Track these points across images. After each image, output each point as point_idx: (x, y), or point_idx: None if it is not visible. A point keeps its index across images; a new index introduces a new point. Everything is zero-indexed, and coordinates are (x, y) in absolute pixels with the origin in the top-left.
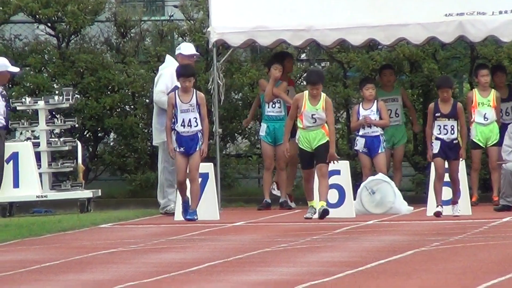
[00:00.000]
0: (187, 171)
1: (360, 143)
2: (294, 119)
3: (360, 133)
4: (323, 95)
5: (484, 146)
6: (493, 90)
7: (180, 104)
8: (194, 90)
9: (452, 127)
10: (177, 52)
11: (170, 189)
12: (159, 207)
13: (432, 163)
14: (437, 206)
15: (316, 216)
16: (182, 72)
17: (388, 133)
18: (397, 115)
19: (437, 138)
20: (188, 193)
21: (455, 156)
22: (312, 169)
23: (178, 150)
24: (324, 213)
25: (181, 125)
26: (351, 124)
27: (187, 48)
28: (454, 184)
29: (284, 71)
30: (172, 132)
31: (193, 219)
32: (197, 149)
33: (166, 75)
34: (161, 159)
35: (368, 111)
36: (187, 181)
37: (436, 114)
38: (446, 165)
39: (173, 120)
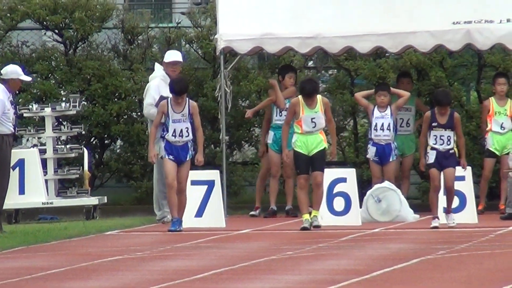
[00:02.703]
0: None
1: (371, 152)
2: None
3: (372, 136)
4: (318, 96)
5: (499, 155)
6: (509, 99)
7: (172, 113)
8: (187, 99)
9: (449, 137)
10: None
11: (165, 201)
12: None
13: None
14: (433, 219)
15: (309, 225)
16: (174, 90)
17: (397, 142)
18: (408, 124)
19: (432, 148)
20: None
21: (451, 165)
22: (308, 175)
23: (167, 157)
24: (316, 227)
25: (172, 135)
26: (358, 92)
27: (169, 55)
28: (449, 193)
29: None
30: (161, 141)
31: (179, 229)
32: (187, 159)
33: (152, 87)
34: (155, 170)
35: (382, 115)
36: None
37: (433, 124)
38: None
39: (163, 128)
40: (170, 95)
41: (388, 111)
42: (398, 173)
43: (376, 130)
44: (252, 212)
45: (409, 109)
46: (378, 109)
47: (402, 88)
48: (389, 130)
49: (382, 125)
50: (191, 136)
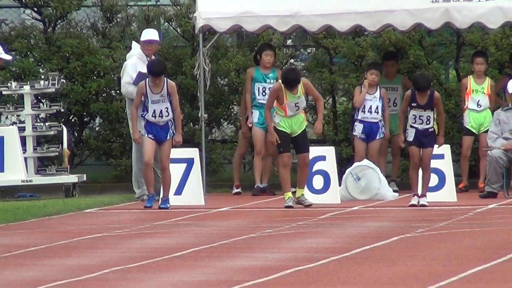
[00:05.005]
0: (157, 159)
1: (358, 129)
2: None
3: (359, 117)
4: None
5: (476, 133)
6: (487, 78)
7: (151, 94)
8: (165, 79)
9: (428, 117)
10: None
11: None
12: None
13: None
14: (413, 196)
15: (294, 204)
16: (151, 71)
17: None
18: (395, 104)
19: (412, 126)
20: (153, 184)
21: (429, 144)
22: (290, 153)
23: (146, 135)
24: (307, 206)
25: (152, 116)
26: (355, 99)
27: (145, 34)
28: (425, 171)
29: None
30: (141, 119)
31: (166, 207)
32: (168, 137)
33: (129, 65)
34: (134, 149)
35: (371, 97)
36: (155, 168)
37: (413, 104)
38: None
39: (143, 108)
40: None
41: (377, 94)
42: (386, 150)
43: (363, 112)
44: (237, 190)
45: (395, 88)
46: (367, 90)
47: (386, 69)
48: (377, 112)
49: (370, 107)
50: (171, 116)
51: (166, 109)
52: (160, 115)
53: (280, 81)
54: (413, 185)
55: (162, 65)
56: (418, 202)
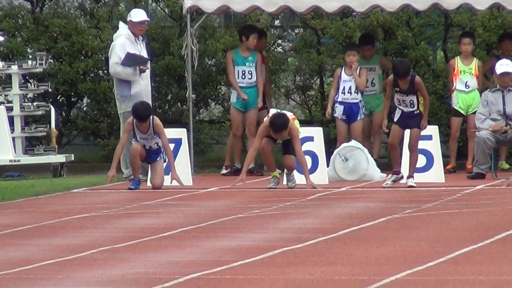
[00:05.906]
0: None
1: (338, 110)
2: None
3: (339, 99)
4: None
5: (465, 114)
6: (475, 58)
7: (139, 133)
8: (151, 118)
9: (411, 101)
10: (128, 18)
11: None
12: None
13: None
14: (393, 174)
15: (275, 185)
16: (138, 117)
17: (364, 102)
18: (373, 84)
19: (398, 108)
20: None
21: (416, 125)
22: (268, 138)
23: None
24: (290, 188)
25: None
26: (331, 90)
27: (137, 15)
28: (412, 152)
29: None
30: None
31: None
32: (158, 159)
33: (117, 46)
34: (122, 129)
35: (350, 78)
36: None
37: (395, 89)
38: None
39: (133, 136)
40: (136, 52)
41: (356, 74)
42: (369, 132)
43: (344, 93)
44: (225, 171)
45: (373, 68)
46: (346, 71)
47: (362, 53)
48: (357, 93)
49: (350, 88)
50: (161, 145)
51: (156, 144)
52: (150, 148)
53: (268, 124)
54: (393, 163)
55: (147, 109)
56: (391, 180)
